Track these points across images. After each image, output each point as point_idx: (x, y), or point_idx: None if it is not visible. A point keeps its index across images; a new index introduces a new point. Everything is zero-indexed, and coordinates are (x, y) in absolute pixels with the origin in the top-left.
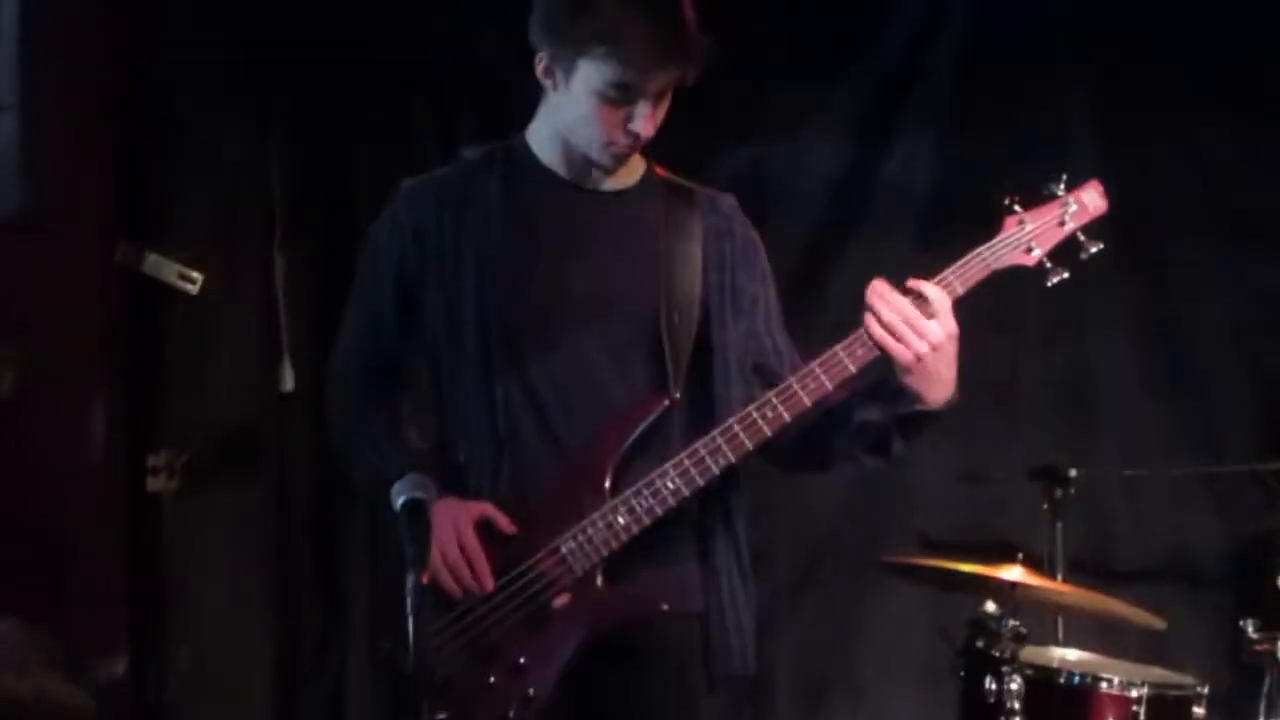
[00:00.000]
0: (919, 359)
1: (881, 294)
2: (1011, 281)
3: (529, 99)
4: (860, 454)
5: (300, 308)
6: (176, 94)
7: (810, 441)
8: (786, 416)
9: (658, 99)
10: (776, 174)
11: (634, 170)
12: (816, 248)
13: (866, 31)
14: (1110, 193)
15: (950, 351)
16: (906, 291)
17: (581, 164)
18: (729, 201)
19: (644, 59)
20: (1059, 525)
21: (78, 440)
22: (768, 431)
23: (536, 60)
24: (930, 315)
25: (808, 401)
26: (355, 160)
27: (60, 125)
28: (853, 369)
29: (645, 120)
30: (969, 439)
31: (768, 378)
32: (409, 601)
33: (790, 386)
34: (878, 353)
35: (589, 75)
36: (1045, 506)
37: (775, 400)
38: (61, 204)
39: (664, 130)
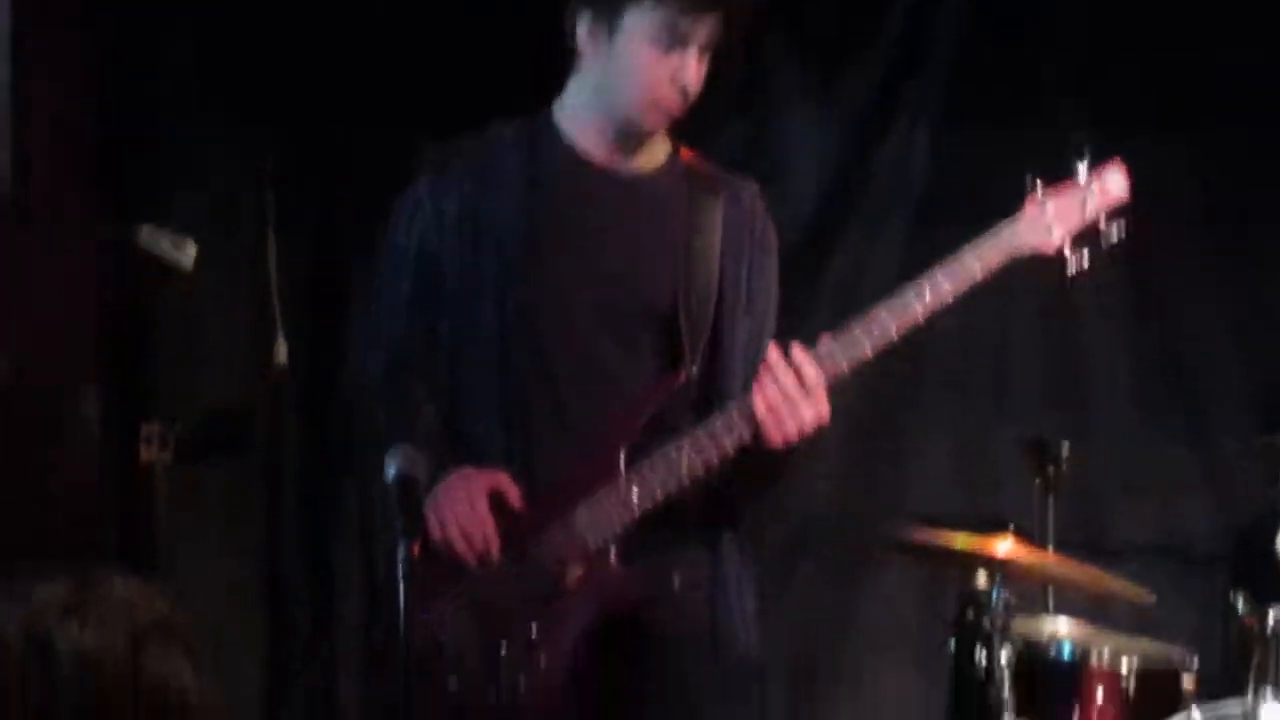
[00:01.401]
0: (785, 440)
1: (770, 373)
2: None
3: (531, 80)
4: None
5: (294, 283)
6: (166, 76)
7: None
8: None
9: (703, 50)
10: (774, 150)
11: (659, 152)
12: (812, 229)
13: (868, 17)
14: None
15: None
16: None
17: (615, 137)
18: (751, 191)
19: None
20: (1050, 499)
21: (70, 410)
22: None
23: (576, 27)
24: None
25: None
26: (351, 136)
27: (48, 108)
28: (845, 369)
29: (692, 71)
30: (961, 415)
31: None
32: (399, 571)
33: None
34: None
35: (637, 23)
36: (1037, 481)
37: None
38: (51, 185)
39: None
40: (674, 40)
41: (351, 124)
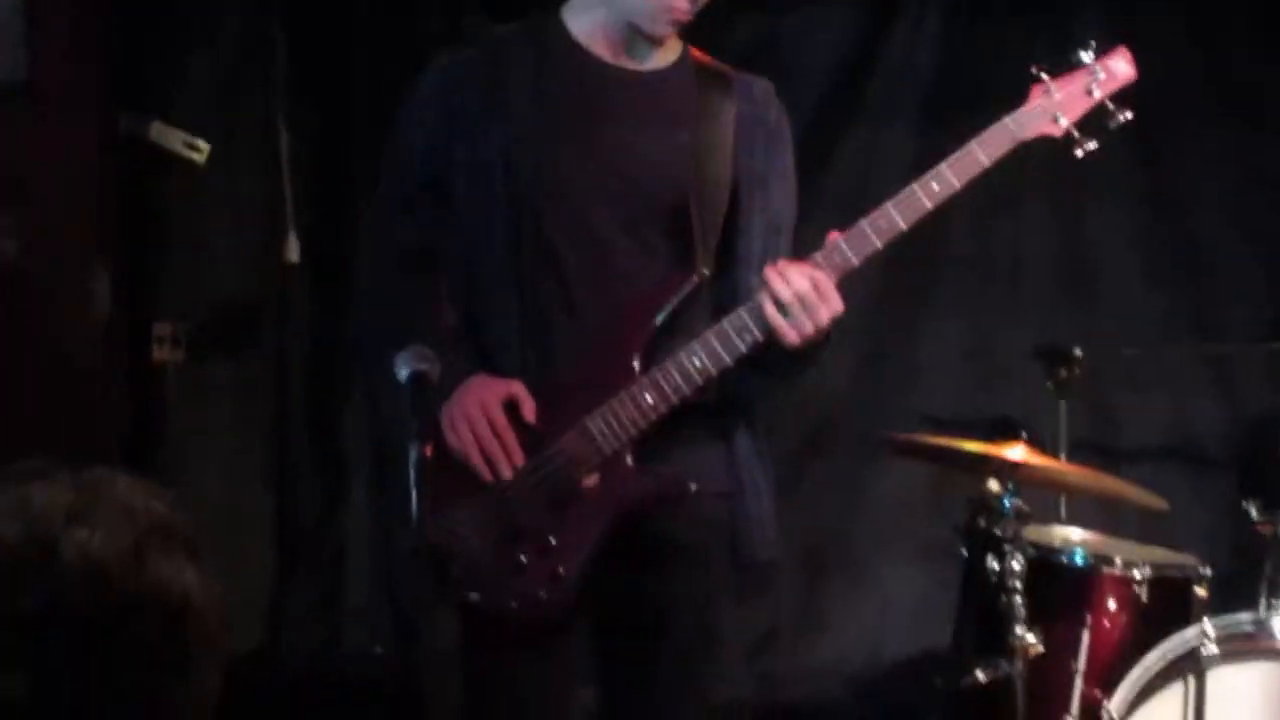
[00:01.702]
0: (801, 338)
1: (781, 272)
2: (1013, 159)
3: None
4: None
5: (304, 179)
6: None
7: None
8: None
9: None
10: (784, 47)
11: (670, 52)
12: (822, 124)
13: None
14: None
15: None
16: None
17: (623, 40)
18: (764, 87)
19: None
20: (1062, 404)
21: (80, 308)
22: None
23: None
24: (821, 297)
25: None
26: (357, 30)
27: None
28: (855, 262)
29: None
30: (972, 318)
31: None
32: (411, 474)
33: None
34: (925, 207)
35: None
36: (1049, 385)
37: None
38: (62, 71)
39: None
40: None
41: (361, 16)
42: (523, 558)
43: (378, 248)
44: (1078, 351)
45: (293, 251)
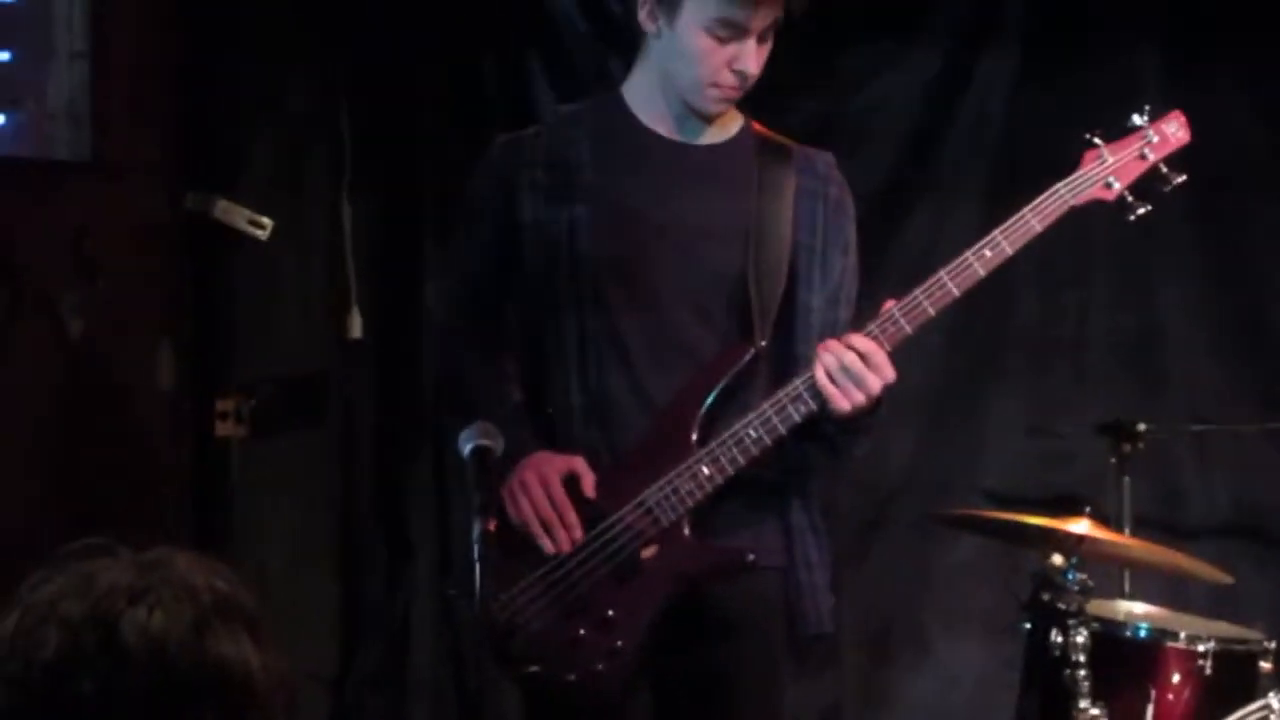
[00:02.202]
0: (853, 407)
1: (830, 349)
2: (1080, 235)
3: (598, 58)
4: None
5: (368, 255)
6: (243, 43)
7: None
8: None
9: (762, 37)
10: (846, 128)
11: (730, 125)
12: (889, 197)
13: None
14: (1187, 146)
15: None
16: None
17: (679, 116)
18: (825, 160)
19: None
20: (1126, 480)
21: (145, 383)
22: None
23: (640, 5)
24: (872, 367)
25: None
26: (421, 110)
27: (129, 73)
28: (908, 330)
29: (751, 58)
30: (1036, 394)
31: None
32: (475, 548)
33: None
34: (978, 274)
35: (695, 11)
36: (1113, 461)
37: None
38: (130, 149)
39: None
40: (731, 31)
41: (426, 96)
42: (581, 631)
43: (446, 327)
44: (1142, 427)
45: (356, 328)
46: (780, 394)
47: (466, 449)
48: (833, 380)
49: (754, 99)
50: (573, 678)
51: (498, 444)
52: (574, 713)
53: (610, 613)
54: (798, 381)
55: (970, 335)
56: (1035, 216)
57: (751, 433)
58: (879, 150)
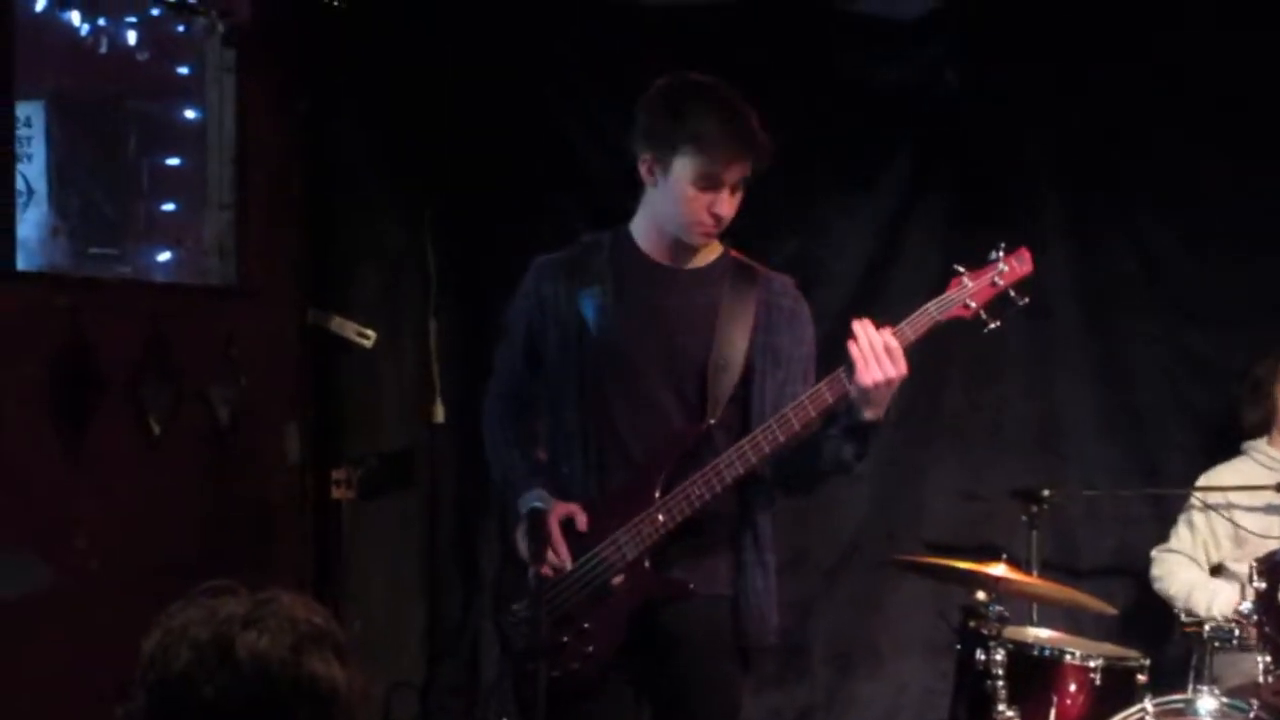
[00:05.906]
0: (874, 385)
1: (865, 327)
2: (998, 344)
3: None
4: (829, 470)
5: (448, 358)
6: (353, 193)
7: (796, 465)
8: (781, 437)
9: (734, 188)
10: (817, 259)
11: (710, 253)
12: (847, 318)
13: (883, 157)
14: (1079, 275)
15: (895, 386)
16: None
17: (671, 246)
18: (785, 281)
19: (724, 154)
20: (1034, 533)
21: (277, 458)
22: (766, 449)
23: (640, 162)
24: (893, 357)
25: (797, 425)
26: (494, 242)
27: (264, 219)
28: (830, 399)
29: (724, 204)
30: (964, 466)
31: None
32: (531, 586)
33: (785, 414)
34: (845, 391)
35: (682, 169)
36: (1024, 518)
37: (774, 425)
38: (265, 277)
39: (732, 224)
40: (709, 183)
41: (492, 233)
42: (565, 638)
43: (491, 405)
44: (1046, 492)
45: (439, 415)
46: (719, 461)
47: (524, 509)
48: (862, 351)
49: (746, 236)
50: (556, 674)
51: (548, 504)
52: (559, 699)
53: (587, 625)
54: (731, 451)
55: (911, 420)
56: (909, 328)
57: (695, 490)
58: (841, 280)
